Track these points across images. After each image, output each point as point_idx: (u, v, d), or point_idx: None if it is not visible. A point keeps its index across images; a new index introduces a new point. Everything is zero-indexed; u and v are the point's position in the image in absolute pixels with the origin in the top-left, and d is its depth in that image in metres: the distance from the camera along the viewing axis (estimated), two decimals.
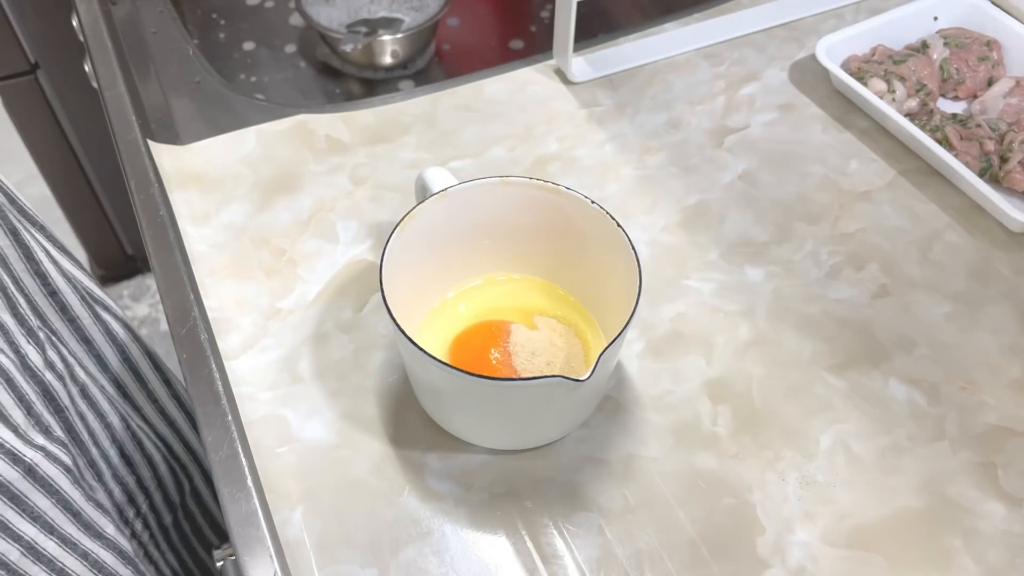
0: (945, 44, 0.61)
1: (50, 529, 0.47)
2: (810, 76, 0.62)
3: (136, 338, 0.61)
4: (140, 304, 1.39)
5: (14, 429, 0.45)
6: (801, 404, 0.45)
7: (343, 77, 0.77)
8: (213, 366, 0.45)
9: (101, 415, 0.56)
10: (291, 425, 0.44)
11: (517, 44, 0.81)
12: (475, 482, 0.42)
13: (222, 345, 0.47)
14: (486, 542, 0.40)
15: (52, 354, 0.51)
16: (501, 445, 0.43)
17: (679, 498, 0.42)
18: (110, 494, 0.57)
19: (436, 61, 0.79)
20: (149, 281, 1.41)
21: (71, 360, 0.54)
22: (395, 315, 0.38)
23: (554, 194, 0.43)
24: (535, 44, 0.80)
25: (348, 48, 0.75)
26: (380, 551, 0.40)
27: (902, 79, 0.58)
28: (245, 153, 0.57)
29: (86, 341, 0.57)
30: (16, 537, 0.45)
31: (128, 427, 0.59)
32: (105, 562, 0.51)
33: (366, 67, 0.76)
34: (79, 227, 1.28)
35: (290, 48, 0.79)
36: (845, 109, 0.60)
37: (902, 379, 0.46)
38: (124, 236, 1.31)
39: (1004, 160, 0.55)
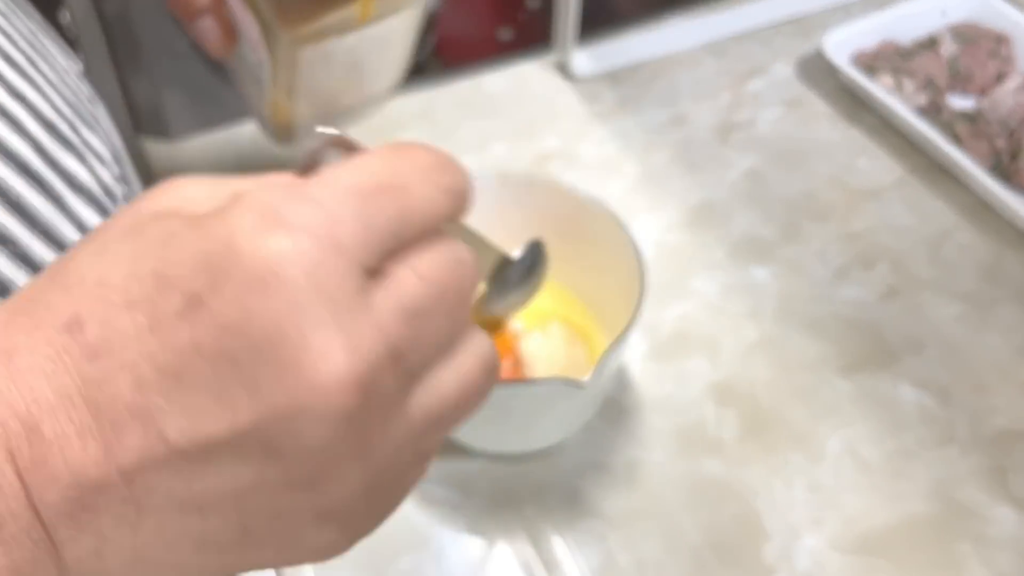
0: (954, 39, 0.61)
1: None
2: (817, 72, 0.62)
3: None
4: None
5: None
6: (808, 407, 0.45)
7: None
8: None
9: None
10: None
11: (507, 34, 0.80)
12: (474, 488, 0.42)
13: None
14: (486, 550, 0.40)
15: None
16: (501, 449, 0.43)
17: (683, 504, 0.41)
18: None
19: (434, 56, 0.78)
20: None
21: None
22: None
23: (555, 192, 0.43)
24: (527, 33, 0.80)
25: None
26: (377, 559, 0.39)
27: (911, 75, 0.58)
28: (239, 148, 0.56)
29: None
30: None
31: None
32: None
33: None
34: None
35: None
36: (853, 105, 0.59)
37: (911, 381, 0.46)
38: None
39: (1014, 157, 0.54)
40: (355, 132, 0.61)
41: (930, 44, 0.61)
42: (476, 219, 0.44)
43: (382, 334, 0.17)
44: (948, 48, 0.60)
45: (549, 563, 0.39)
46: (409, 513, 0.41)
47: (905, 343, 0.47)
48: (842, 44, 0.60)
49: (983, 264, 0.51)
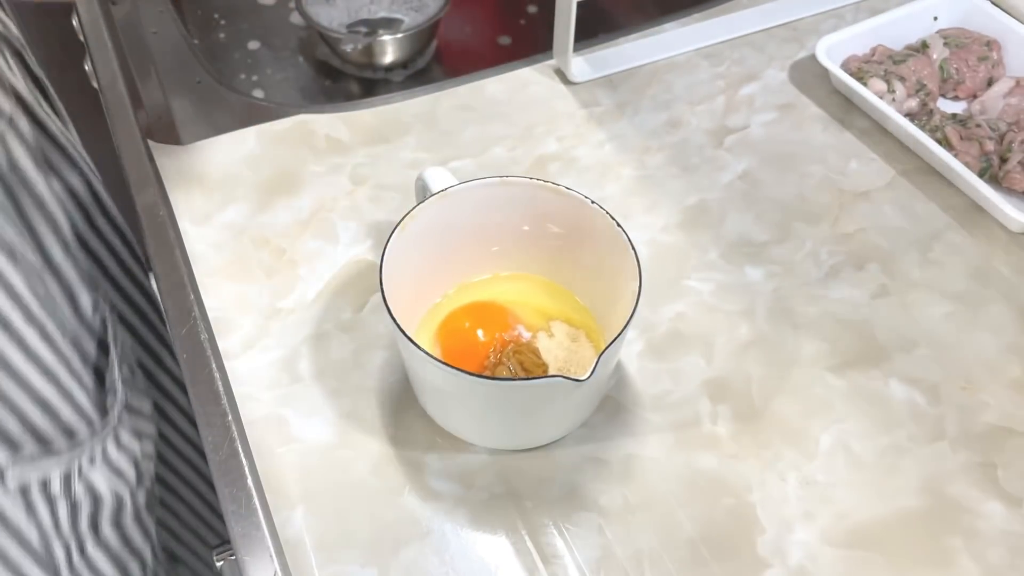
0: (945, 44, 0.61)
1: None
2: (810, 76, 0.62)
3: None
4: None
5: None
6: (801, 404, 0.45)
7: (343, 77, 0.77)
8: (213, 366, 0.45)
9: None
10: (291, 425, 0.44)
11: (506, 40, 0.81)
12: (475, 482, 0.42)
13: (222, 345, 0.47)
14: (486, 542, 0.40)
15: None
16: (501, 445, 0.43)
17: (679, 498, 0.42)
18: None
19: (436, 61, 0.79)
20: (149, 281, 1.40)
21: None
22: (395, 315, 0.38)
23: (554, 194, 0.43)
24: (526, 39, 0.80)
25: (348, 48, 0.75)
26: (380, 551, 0.40)
27: (902, 79, 0.58)
28: (245, 153, 0.57)
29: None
30: None
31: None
32: None
33: (366, 67, 0.76)
34: None
35: (290, 48, 0.79)
36: (845, 109, 0.60)
37: (902, 379, 0.46)
38: None
39: (1004, 160, 0.55)
40: (359, 135, 0.62)
41: (921, 48, 0.62)
42: (478, 220, 0.45)
43: None
44: (939, 52, 0.61)
45: (548, 555, 0.40)
46: (412, 505, 0.41)
47: (896, 341, 0.48)
48: (834, 49, 0.60)
49: (973, 264, 0.51)
